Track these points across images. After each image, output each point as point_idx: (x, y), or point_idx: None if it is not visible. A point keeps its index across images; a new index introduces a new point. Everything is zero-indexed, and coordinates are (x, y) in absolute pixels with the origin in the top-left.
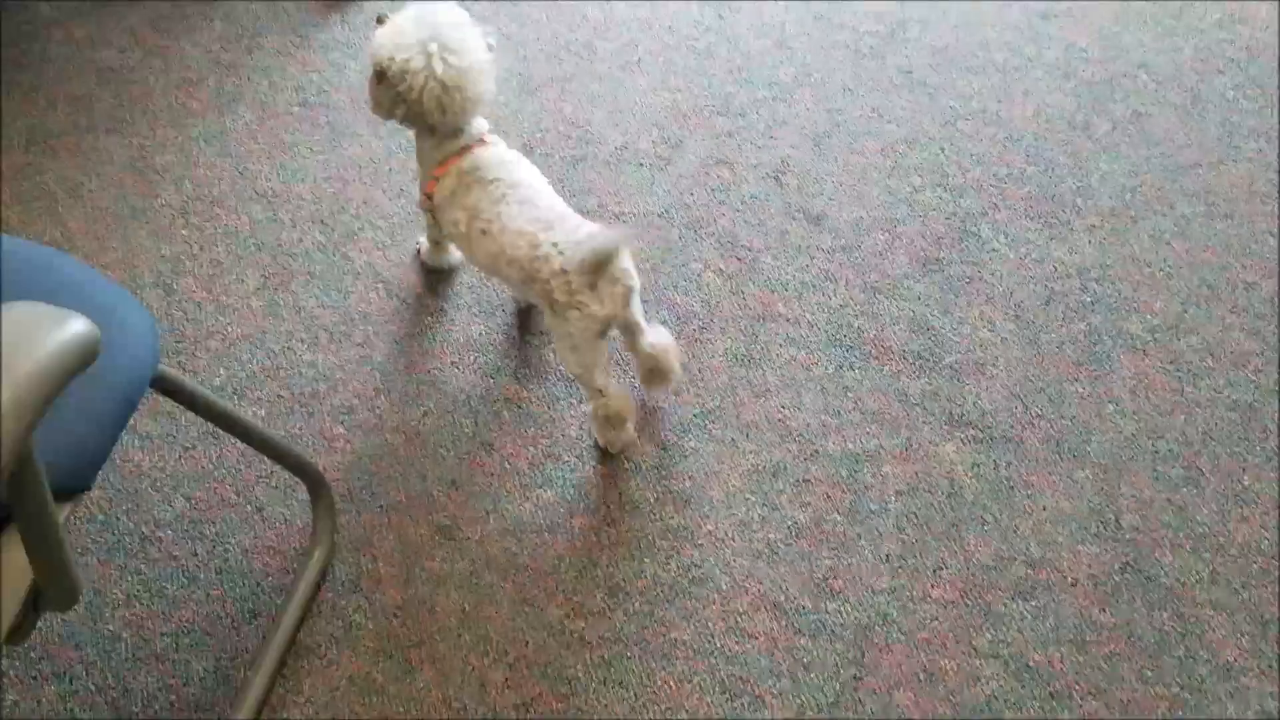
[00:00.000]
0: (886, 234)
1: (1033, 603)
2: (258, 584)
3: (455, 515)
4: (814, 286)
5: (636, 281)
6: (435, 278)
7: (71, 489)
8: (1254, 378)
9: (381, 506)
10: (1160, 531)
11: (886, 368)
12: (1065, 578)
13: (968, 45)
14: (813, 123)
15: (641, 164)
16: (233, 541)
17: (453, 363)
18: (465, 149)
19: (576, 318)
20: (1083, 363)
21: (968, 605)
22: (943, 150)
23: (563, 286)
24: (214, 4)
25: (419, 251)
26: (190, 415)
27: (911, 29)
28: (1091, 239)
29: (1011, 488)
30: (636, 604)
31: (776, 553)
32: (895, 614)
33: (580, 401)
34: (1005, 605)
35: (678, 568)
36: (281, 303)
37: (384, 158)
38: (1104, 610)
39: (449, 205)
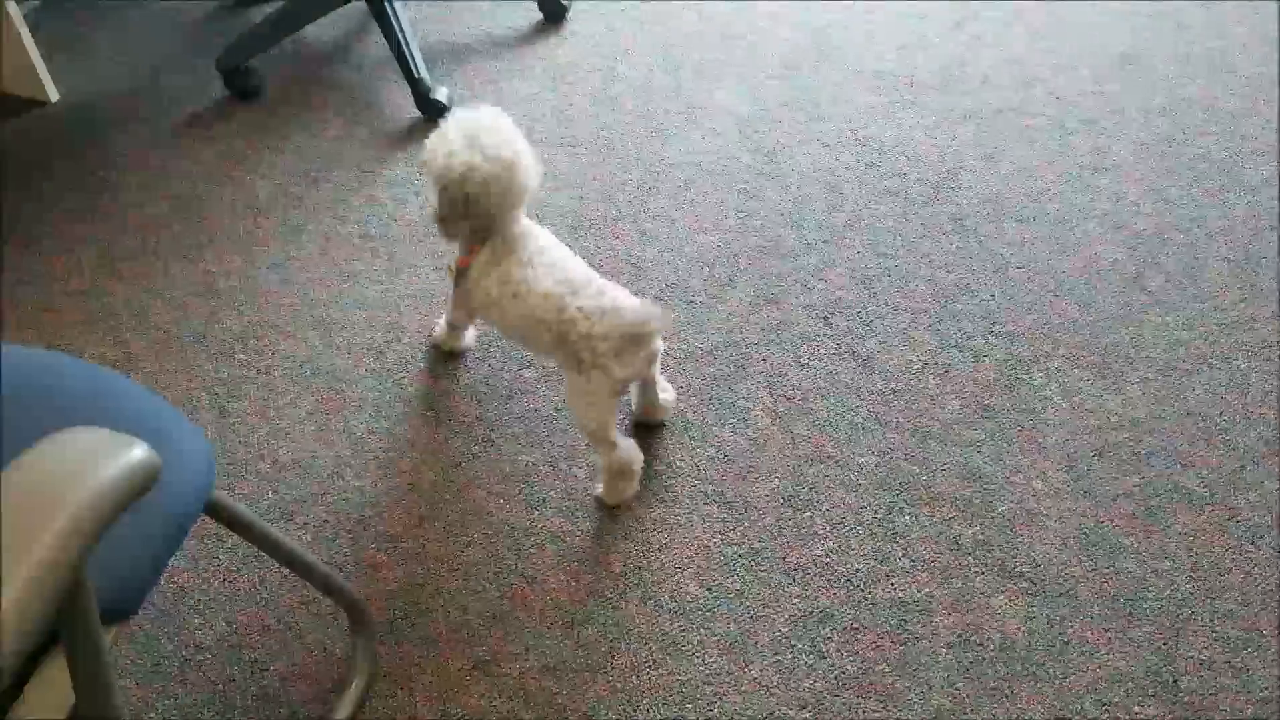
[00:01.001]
0: (937, 378)
1: None
2: (294, 712)
3: (495, 650)
4: (863, 429)
5: (661, 346)
6: (450, 362)
7: (119, 612)
8: None
9: (421, 638)
10: (1220, 695)
11: (937, 515)
12: None
13: (1019, 195)
14: (863, 266)
15: (692, 301)
16: (271, 668)
17: (498, 493)
18: (505, 230)
19: (598, 377)
20: (1137, 516)
21: None
22: (993, 297)
23: (589, 349)
24: (285, 141)
25: (432, 332)
26: (235, 537)
27: (963, 177)
28: (1145, 390)
29: (1066, 643)
30: None
31: (822, 703)
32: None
33: (624, 537)
34: None
35: (720, 714)
36: (333, 428)
37: (439, 289)
38: None
39: (482, 277)
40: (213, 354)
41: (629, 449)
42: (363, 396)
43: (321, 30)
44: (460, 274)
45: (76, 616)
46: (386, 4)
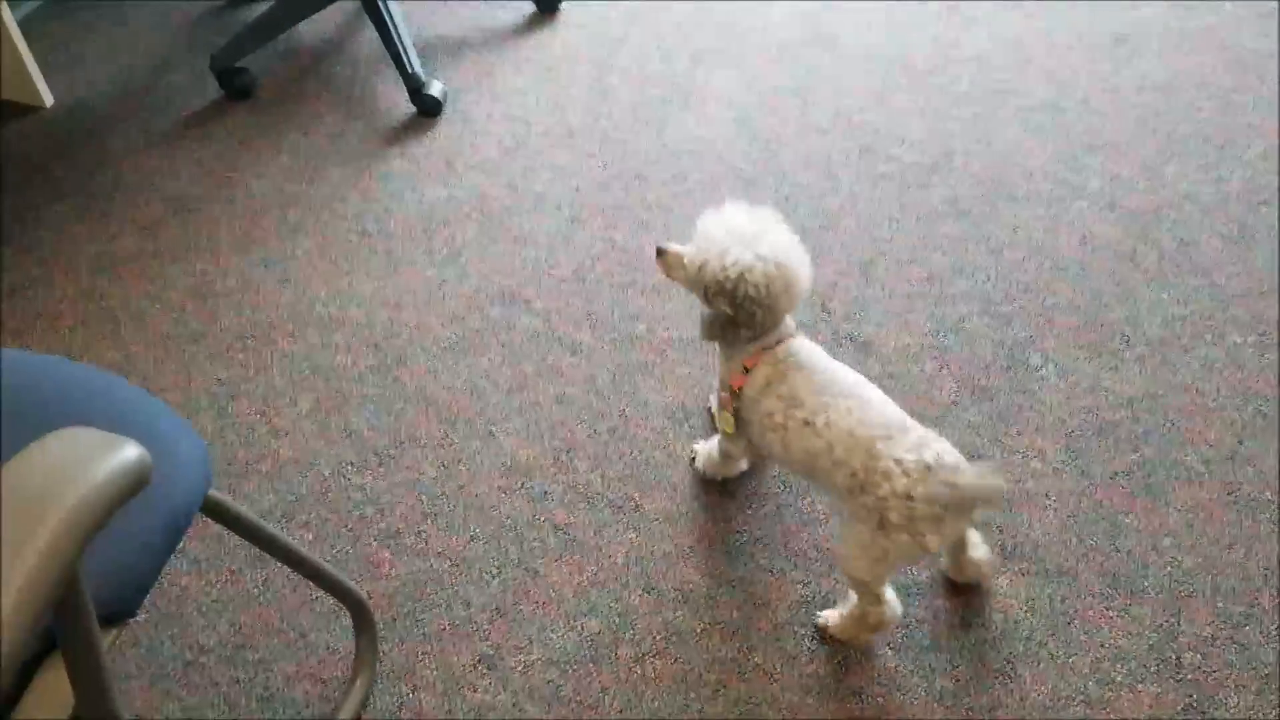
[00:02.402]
0: (935, 361)
1: None
2: (299, 712)
3: (499, 644)
4: None
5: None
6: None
7: (117, 615)
8: None
9: (425, 634)
10: (1223, 671)
11: None
12: (1125, 719)
13: (1012, 176)
14: (859, 250)
15: (690, 291)
16: (275, 668)
17: (500, 488)
18: (780, 340)
19: (905, 543)
20: (1137, 494)
21: None
22: (989, 278)
23: (902, 509)
24: (281, 139)
25: (693, 459)
26: (237, 538)
27: (956, 160)
28: (1142, 368)
29: (1068, 623)
30: None
31: (826, 688)
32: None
33: (627, 529)
34: None
35: (725, 702)
36: (333, 426)
37: (437, 285)
38: None
39: (761, 397)
40: (211, 354)
41: (894, 605)
42: (362, 394)
43: (314, 27)
44: (735, 396)
45: (73, 618)
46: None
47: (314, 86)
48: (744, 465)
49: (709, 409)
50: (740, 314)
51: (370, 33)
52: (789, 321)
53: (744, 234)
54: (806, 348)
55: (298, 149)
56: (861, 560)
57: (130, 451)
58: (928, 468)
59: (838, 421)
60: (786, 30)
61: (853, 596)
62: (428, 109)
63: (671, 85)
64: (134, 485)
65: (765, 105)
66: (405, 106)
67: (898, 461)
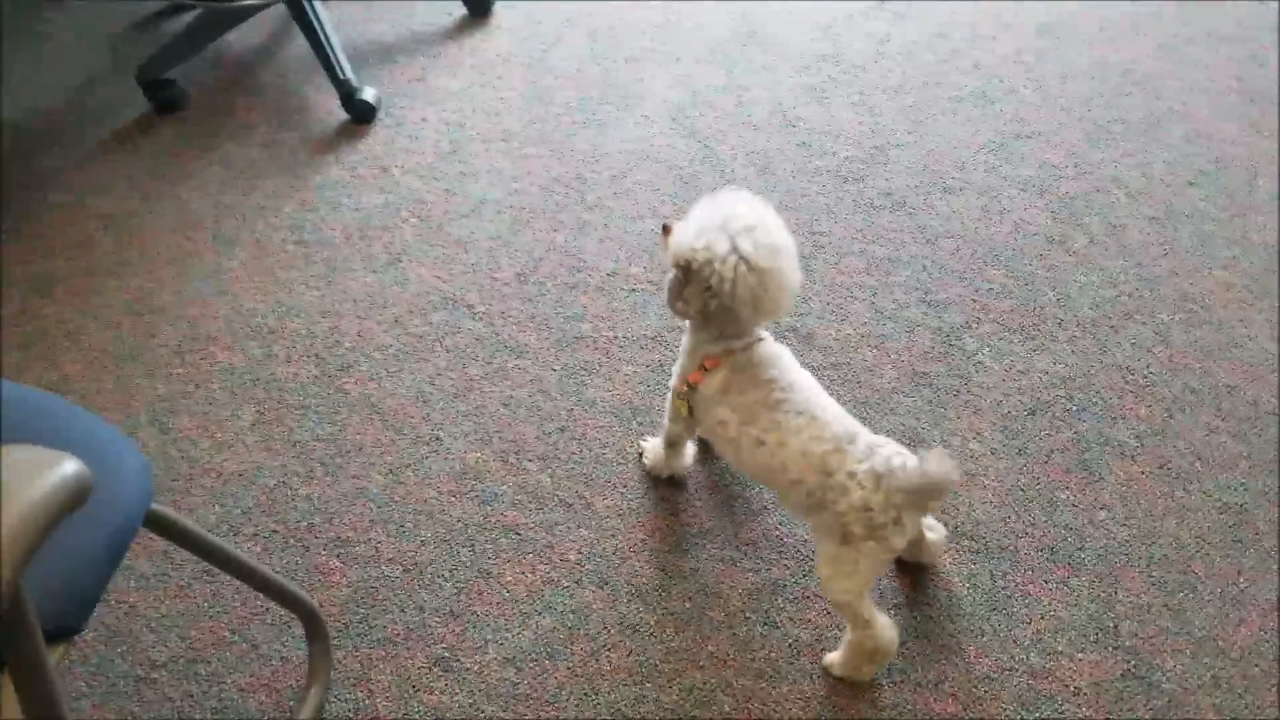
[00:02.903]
0: (874, 350)
1: (1036, 714)
2: None
3: (454, 646)
4: None
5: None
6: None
7: (64, 631)
8: (1243, 480)
9: (379, 640)
10: (1159, 637)
11: None
12: (1067, 687)
13: (945, 167)
14: (798, 244)
15: (634, 289)
16: (228, 680)
17: (449, 492)
18: (747, 345)
19: (871, 549)
20: (1072, 470)
21: (971, 718)
22: (925, 267)
23: (862, 520)
24: (213, 150)
25: (641, 455)
26: (185, 553)
27: (890, 152)
28: (1074, 349)
29: (1009, 597)
30: None
31: (779, 672)
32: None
33: (579, 526)
34: (1009, 718)
35: (680, 691)
36: (276, 437)
37: (378, 291)
38: (1108, 719)
39: (715, 401)
40: (150, 371)
41: (886, 629)
42: (305, 404)
43: (242, 36)
44: (690, 389)
45: (19, 635)
46: (307, 5)
47: (244, 96)
48: (689, 460)
49: (641, 452)
50: (711, 308)
51: (300, 40)
52: (766, 333)
53: (736, 228)
54: (770, 355)
55: (230, 160)
56: (836, 577)
57: (69, 467)
58: (879, 476)
59: (789, 441)
60: (720, 29)
61: (848, 631)
62: (361, 115)
63: (608, 86)
64: (74, 500)
65: (701, 104)
66: (338, 113)
67: (850, 475)
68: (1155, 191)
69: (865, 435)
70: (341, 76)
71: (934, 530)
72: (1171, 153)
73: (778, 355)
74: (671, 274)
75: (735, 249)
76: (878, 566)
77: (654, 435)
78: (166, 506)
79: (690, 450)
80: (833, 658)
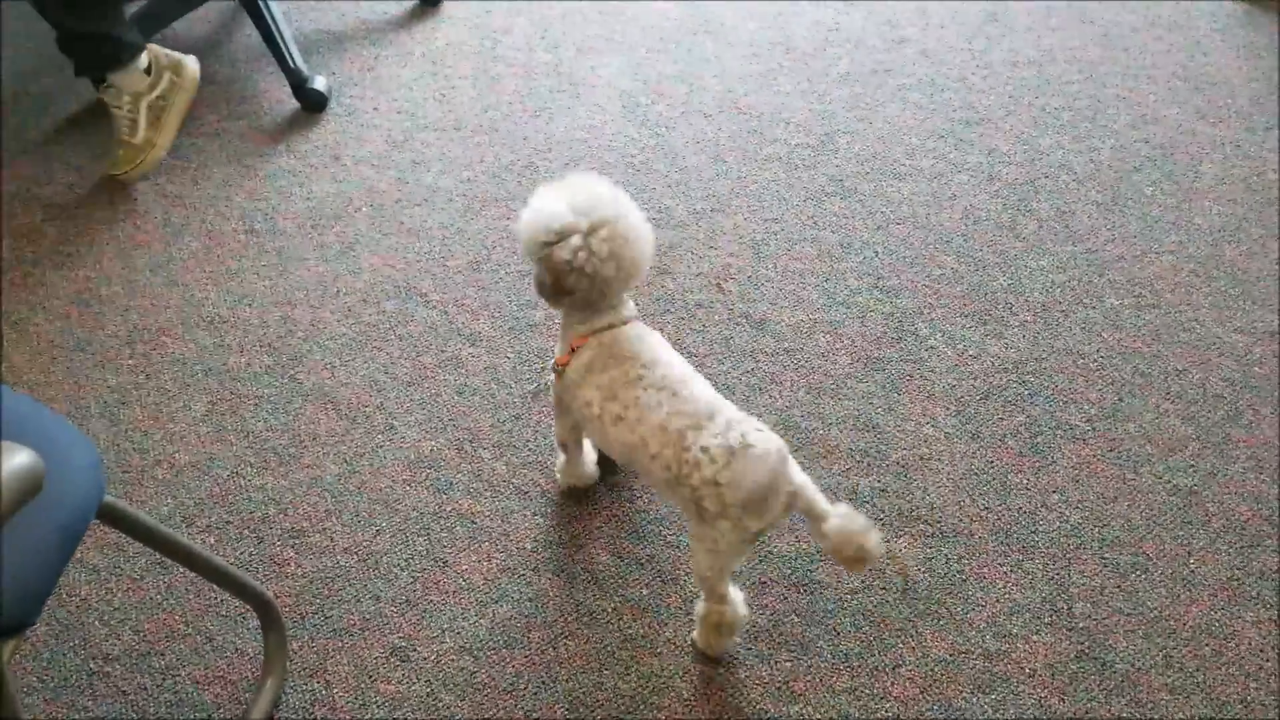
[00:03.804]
0: (828, 336)
1: (992, 696)
2: (209, 716)
3: (410, 635)
4: (759, 389)
5: (801, 480)
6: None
7: (15, 625)
8: (1192, 462)
9: (335, 630)
10: (1112, 618)
11: (835, 466)
12: (1022, 669)
13: (894, 154)
14: (750, 232)
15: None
16: (183, 673)
17: (405, 480)
18: (610, 326)
19: (728, 528)
20: (1025, 454)
21: (928, 701)
22: (877, 254)
23: (714, 496)
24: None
25: (557, 474)
26: (137, 545)
27: (840, 140)
28: (1025, 333)
29: (964, 580)
30: (597, 717)
31: (736, 656)
32: (856, 714)
33: (534, 514)
34: (965, 699)
35: (638, 678)
36: (229, 428)
37: (331, 280)
38: (1062, 699)
39: (582, 383)
40: (99, 362)
41: (736, 605)
42: (259, 394)
43: (190, 25)
44: (559, 373)
45: None
46: None
47: None
48: (592, 468)
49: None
50: (566, 282)
51: (248, 29)
52: (630, 306)
53: (577, 201)
54: (636, 335)
55: (179, 149)
56: (700, 553)
57: (21, 458)
58: (731, 451)
59: (648, 416)
60: (670, 17)
61: (700, 602)
62: (312, 104)
63: (558, 75)
64: (27, 491)
65: (652, 92)
66: (289, 102)
67: (704, 449)
68: (1102, 177)
69: (728, 413)
70: (292, 65)
71: (848, 520)
72: (1117, 139)
73: (643, 335)
74: (535, 266)
75: (591, 225)
76: (737, 546)
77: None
78: (118, 498)
79: (591, 458)
80: (695, 636)
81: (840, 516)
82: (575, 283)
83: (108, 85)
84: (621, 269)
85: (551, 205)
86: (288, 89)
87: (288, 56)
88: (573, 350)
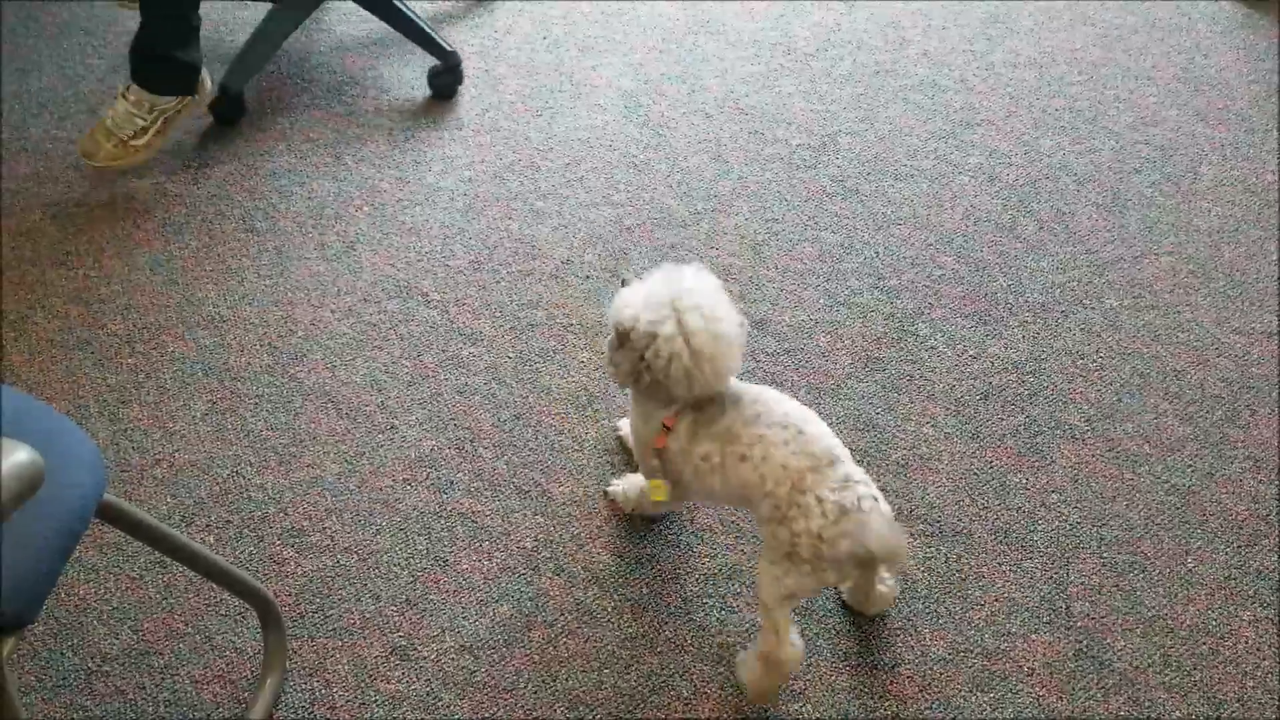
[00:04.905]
0: (828, 336)
1: (991, 694)
2: (208, 716)
3: (410, 634)
4: None
5: (898, 549)
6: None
7: (14, 623)
8: (1190, 462)
9: (334, 629)
10: (1110, 617)
11: None
12: (1021, 667)
13: (896, 154)
14: (751, 232)
15: (588, 276)
16: (182, 672)
17: (405, 480)
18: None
19: (808, 573)
20: (1024, 454)
21: (927, 700)
22: (877, 254)
23: (811, 547)
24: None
25: (610, 497)
26: (137, 544)
27: (841, 140)
28: (1025, 334)
29: (963, 580)
30: (598, 715)
31: (736, 657)
32: (856, 712)
33: (535, 513)
34: (964, 698)
35: (638, 676)
36: (229, 427)
37: (331, 280)
38: (1060, 698)
39: (692, 446)
40: (99, 361)
41: (796, 648)
42: (259, 393)
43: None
44: (659, 454)
45: None
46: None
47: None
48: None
49: (619, 436)
50: (654, 377)
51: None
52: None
53: (682, 298)
54: (735, 396)
55: (179, 148)
56: (770, 582)
57: (21, 455)
58: (844, 511)
59: (773, 454)
60: (671, 18)
61: (759, 641)
62: (449, 91)
63: (560, 75)
64: (27, 488)
65: (654, 92)
66: (288, 101)
67: (819, 500)
68: (1102, 178)
69: (845, 463)
70: (448, 48)
71: (884, 583)
72: (1118, 140)
73: (740, 391)
74: (611, 335)
75: (680, 331)
76: (805, 590)
77: (617, 480)
78: (118, 497)
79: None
80: (742, 657)
81: (884, 582)
82: (660, 373)
83: (139, 94)
84: (713, 366)
85: (645, 292)
86: (288, 88)
87: (437, 40)
88: (667, 429)
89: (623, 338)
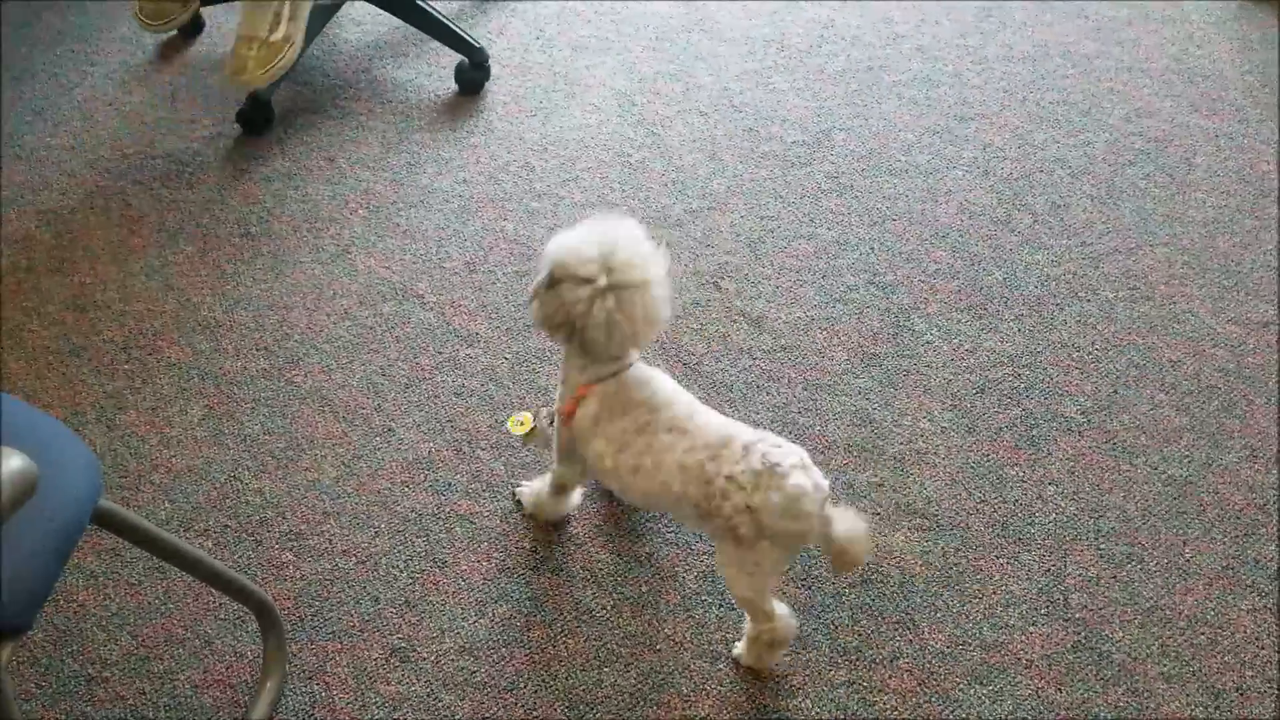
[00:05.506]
0: (825, 332)
1: (989, 687)
2: (209, 719)
3: (410, 636)
4: (757, 387)
5: (826, 486)
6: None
7: (11, 630)
8: (1186, 452)
9: (334, 632)
10: (1108, 608)
11: (833, 462)
12: (1019, 660)
13: (890, 150)
14: (747, 230)
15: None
16: (181, 677)
17: (403, 482)
18: (615, 374)
19: (768, 547)
20: (1020, 447)
21: (926, 693)
22: (873, 250)
23: (750, 522)
24: (153, 145)
25: (518, 500)
26: (135, 550)
27: (836, 137)
28: (1020, 327)
29: (961, 573)
30: (598, 714)
31: (732, 650)
32: (855, 707)
33: (534, 514)
34: (962, 691)
35: (637, 675)
36: (226, 431)
37: (326, 283)
38: (1059, 690)
39: (590, 433)
40: (95, 367)
41: (785, 620)
42: (255, 397)
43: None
44: (565, 421)
45: None
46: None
47: (185, 90)
48: (576, 500)
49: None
50: (574, 326)
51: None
52: (633, 355)
53: (610, 248)
54: (639, 380)
55: (173, 154)
56: (740, 577)
57: (14, 461)
58: (757, 474)
59: (663, 459)
60: (664, 15)
61: (748, 623)
62: (477, 86)
63: (553, 74)
64: (21, 494)
65: (648, 90)
66: (282, 105)
67: (729, 478)
68: (1097, 171)
69: (742, 436)
70: (476, 44)
71: (846, 521)
72: (1112, 132)
73: (648, 379)
74: (540, 276)
75: (608, 275)
76: (779, 563)
77: (529, 481)
78: (116, 504)
79: (576, 496)
80: (740, 648)
81: (845, 521)
82: (585, 335)
83: None
84: (633, 322)
85: (585, 249)
86: (280, 93)
87: (464, 35)
88: (579, 399)
89: (553, 281)
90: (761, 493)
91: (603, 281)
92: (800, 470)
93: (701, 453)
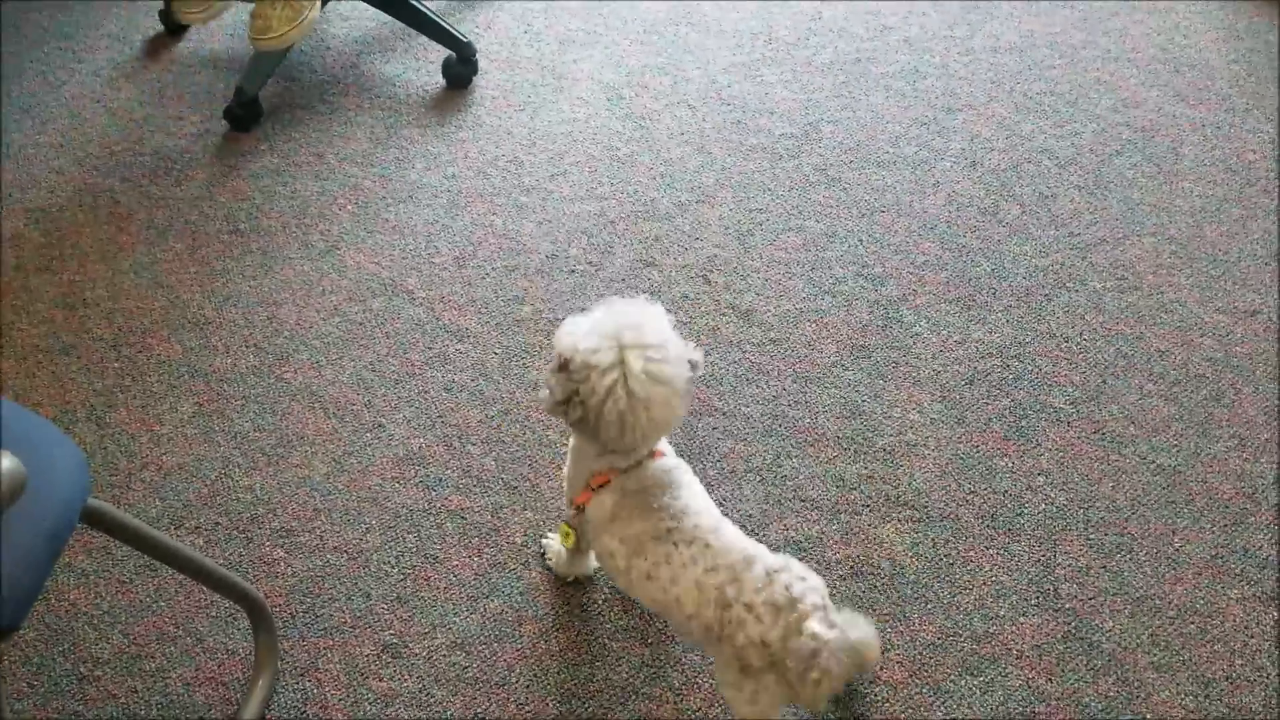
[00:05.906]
0: (814, 324)
1: (980, 678)
2: (200, 717)
3: (401, 632)
4: (747, 379)
5: (841, 625)
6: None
7: (2, 629)
8: (1175, 442)
9: (325, 629)
10: (1098, 598)
11: (823, 454)
12: (1010, 650)
13: (878, 142)
14: (736, 223)
15: (573, 270)
16: (173, 675)
17: (394, 478)
18: (634, 466)
19: (772, 683)
20: (1010, 437)
21: (917, 685)
22: (861, 242)
23: (762, 655)
24: (141, 143)
25: (544, 554)
26: (126, 548)
27: (824, 129)
28: (1009, 318)
29: (951, 564)
30: (590, 708)
31: None
32: (846, 699)
33: (524, 508)
34: (954, 682)
35: (629, 668)
36: (216, 429)
37: (315, 279)
38: (1050, 680)
39: (604, 529)
40: (85, 365)
41: None
42: (245, 394)
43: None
44: (578, 512)
45: None
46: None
47: (173, 87)
48: (593, 565)
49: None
50: (585, 415)
51: (219, 35)
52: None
53: (628, 334)
54: (659, 476)
55: (161, 150)
56: (739, 703)
57: (3, 463)
58: (778, 608)
59: (682, 575)
60: (652, 9)
61: None
62: (465, 80)
63: (541, 69)
64: (9, 495)
65: (636, 84)
66: (271, 101)
67: (748, 606)
68: (1084, 161)
69: (763, 559)
70: (464, 39)
71: (857, 627)
72: (1098, 122)
73: (668, 475)
74: (553, 360)
75: (620, 363)
76: (781, 699)
77: (553, 534)
78: (105, 501)
79: (593, 557)
80: None
81: (856, 629)
82: (599, 429)
83: None
84: (649, 415)
85: (591, 322)
86: (267, 89)
87: (451, 30)
88: (590, 488)
89: (563, 365)
90: (779, 629)
91: (611, 363)
92: (820, 613)
93: (722, 574)
